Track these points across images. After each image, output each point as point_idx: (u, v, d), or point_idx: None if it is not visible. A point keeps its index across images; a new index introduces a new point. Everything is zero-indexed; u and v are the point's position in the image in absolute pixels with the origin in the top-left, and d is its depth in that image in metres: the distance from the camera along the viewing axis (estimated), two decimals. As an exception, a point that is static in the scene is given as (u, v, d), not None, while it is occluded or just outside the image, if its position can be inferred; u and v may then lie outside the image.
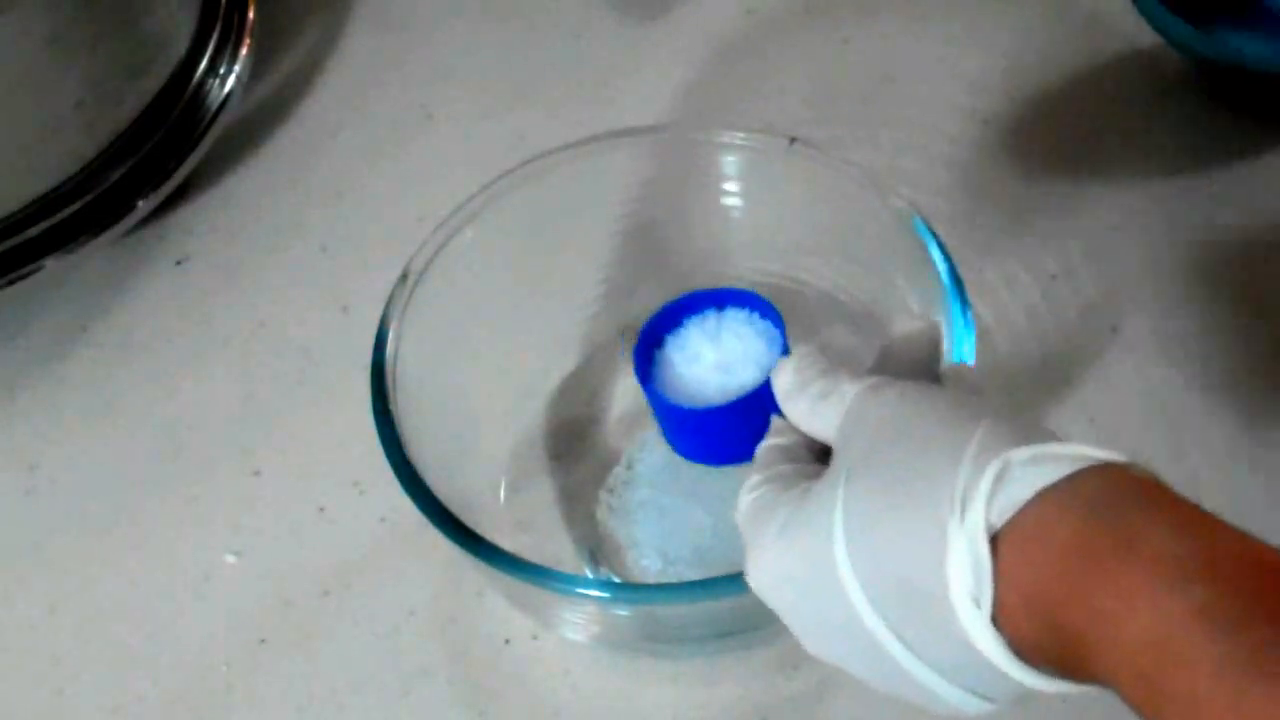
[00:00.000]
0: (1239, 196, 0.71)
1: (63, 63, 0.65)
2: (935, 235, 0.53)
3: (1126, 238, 0.70)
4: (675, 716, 0.57)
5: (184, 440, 0.67)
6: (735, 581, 0.45)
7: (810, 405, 0.41)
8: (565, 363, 0.63)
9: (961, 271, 0.52)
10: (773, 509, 0.38)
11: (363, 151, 0.78)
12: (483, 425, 0.60)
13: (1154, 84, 0.76)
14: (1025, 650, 0.33)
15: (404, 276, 0.55)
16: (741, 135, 0.58)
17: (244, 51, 0.75)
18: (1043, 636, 0.32)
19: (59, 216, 0.68)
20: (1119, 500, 0.32)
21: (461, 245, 0.56)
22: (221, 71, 0.74)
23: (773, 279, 0.60)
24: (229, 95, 0.74)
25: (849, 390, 0.40)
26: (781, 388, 0.42)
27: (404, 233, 0.62)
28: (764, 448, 0.43)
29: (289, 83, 0.82)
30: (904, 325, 0.43)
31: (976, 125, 0.75)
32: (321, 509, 0.64)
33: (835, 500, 0.36)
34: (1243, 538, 0.31)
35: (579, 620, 0.53)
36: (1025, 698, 0.34)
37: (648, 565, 0.57)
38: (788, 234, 0.61)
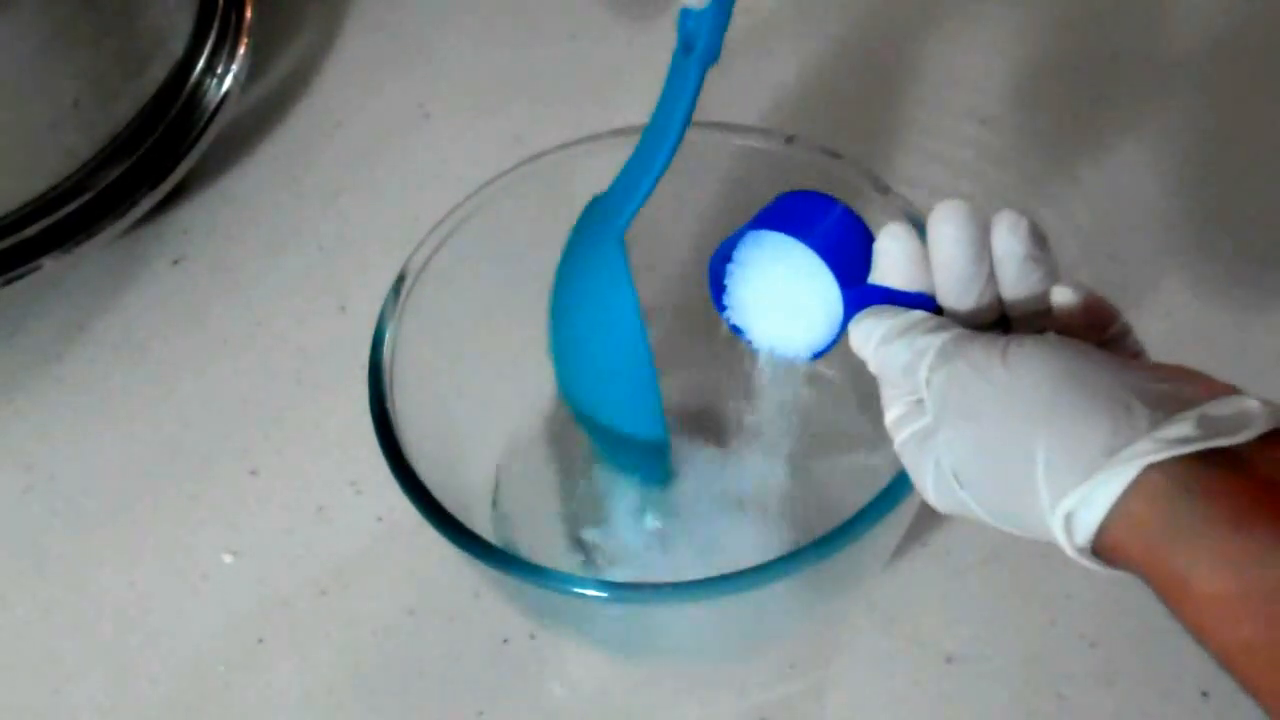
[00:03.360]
0: (1239, 195, 0.71)
1: (60, 62, 0.65)
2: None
3: (1127, 237, 0.70)
4: (673, 716, 0.57)
5: (182, 440, 0.67)
6: (733, 581, 0.46)
7: (900, 379, 0.42)
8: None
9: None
10: (921, 462, 0.41)
11: (360, 151, 0.78)
12: (480, 425, 0.60)
13: (1154, 83, 0.77)
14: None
15: (401, 276, 0.55)
16: (739, 133, 0.58)
17: (241, 51, 0.75)
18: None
19: (57, 216, 0.68)
20: (1167, 527, 0.34)
21: (459, 245, 0.56)
22: (219, 71, 0.74)
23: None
24: (226, 95, 0.74)
25: (921, 369, 0.41)
26: (868, 359, 0.43)
27: (402, 232, 0.62)
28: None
29: (286, 82, 0.82)
30: (1031, 288, 0.43)
31: (974, 124, 0.75)
32: (319, 509, 0.64)
33: (962, 493, 0.39)
34: None
35: (577, 620, 0.53)
36: None
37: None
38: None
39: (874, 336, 0.43)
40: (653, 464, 0.58)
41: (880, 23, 0.80)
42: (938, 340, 0.41)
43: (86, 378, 0.70)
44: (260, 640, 0.60)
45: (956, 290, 0.42)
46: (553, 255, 0.61)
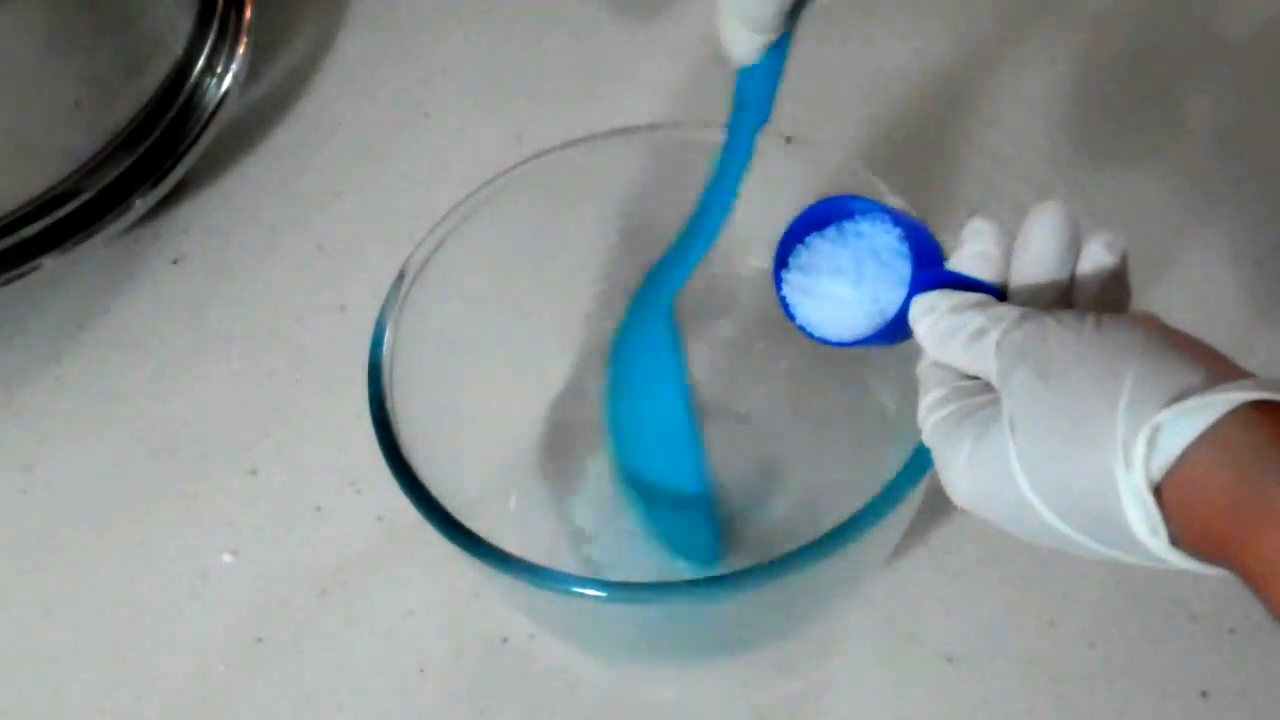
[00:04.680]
0: (1240, 193, 0.71)
1: (60, 62, 0.65)
2: (933, 235, 0.53)
3: (1128, 236, 0.70)
4: (672, 716, 0.57)
5: (181, 439, 0.67)
6: (732, 581, 0.46)
7: (960, 351, 0.42)
8: (562, 361, 0.63)
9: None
10: (957, 440, 0.40)
11: (360, 150, 0.78)
12: (480, 424, 0.59)
13: (1153, 82, 0.77)
14: (1200, 558, 0.36)
15: (401, 276, 0.55)
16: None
17: (241, 50, 0.75)
18: (1213, 559, 0.35)
19: (56, 216, 0.68)
20: (1262, 454, 0.34)
21: (459, 244, 0.56)
22: (218, 70, 0.74)
23: (769, 277, 0.60)
24: (226, 94, 0.74)
25: (993, 332, 0.41)
26: (928, 336, 0.43)
27: (401, 232, 0.62)
28: (926, 366, 0.44)
29: (286, 82, 0.82)
30: (1099, 263, 0.43)
31: (973, 124, 0.75)
32: (318, 508, 0.64)
33: (1008, 445, 0.38)
34: None
35: (575, 621, 0.53)
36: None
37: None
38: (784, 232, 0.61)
39: (944, 305, 0.42)
40: (700, 539, 0.57)
41: (879, 21, 0.80)
42: (1017, 311, 0.41)
43: (86, 377, 0.70)
44: (260, 640, 0.60)
45: (1033, 289, 0.43)
46: (553, 255, 0.61)
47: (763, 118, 0.49)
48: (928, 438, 0.42)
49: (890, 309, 0.45)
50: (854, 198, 0.47)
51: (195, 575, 0.62)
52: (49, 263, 0.68)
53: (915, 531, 0.59)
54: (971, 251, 0.44)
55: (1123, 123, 0.75)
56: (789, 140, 0.57)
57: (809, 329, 0.47)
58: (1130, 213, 0.71)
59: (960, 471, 0.40)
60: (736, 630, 0.54)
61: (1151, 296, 0.67)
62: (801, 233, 0.47)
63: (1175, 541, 0.35)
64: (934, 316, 0.42)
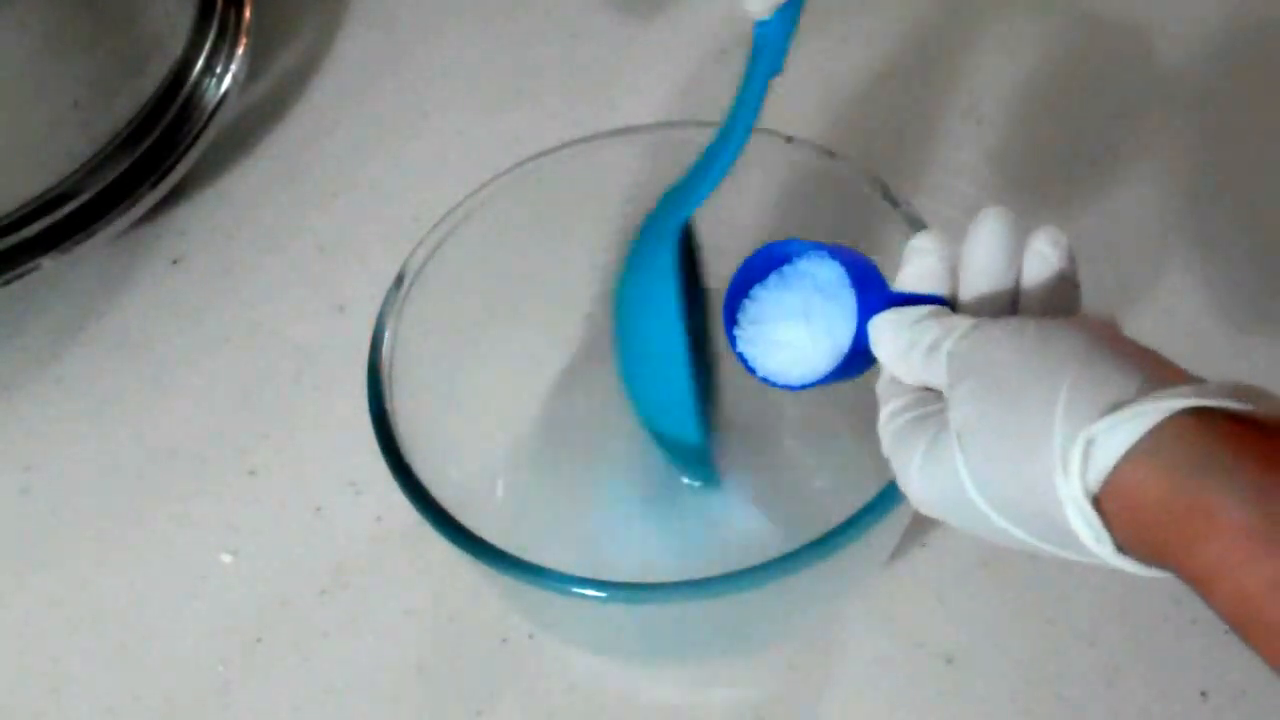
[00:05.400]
0: (1242, 198, 0.71)
1: (60, 62, 0.65)
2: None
3: (1126, 236, 0.70)
4: (672, 715, 0.57)
5: (180, 440, 0.67)
6: (732, 581, 0.46)
7: (918, 364, 0.42)
8: (562, 361, 0.63)
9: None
10: (910, 446, 0.41)
11: (359, 151, 0.78)
12: (479, 425, 0.59)
13: (1152, 81, 0.77)
14: (1149, 563, 0.36)
15: (400, 276, 0.55)
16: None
17: (240, 51, 0.75)
18: (1160, 564, 0.36)
19: (56, 216, 0.68)
20: (1198, 462, 0.34)
21: (458, 245, 0.56)
22: (218, 71, 0.74)
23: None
24: (225, 95, 0.74)
25: (946, 342, 0.41)
26: (888, 356, 0.44)
27: (400, 232, 0.62)
28: (885, 382, 0.45)
29: (285, 82, 0.82)
30: (1040, 274, 0.43)
31: (973, 124, 0.75)
32: (318, 508, 0.64)
33: (956, 455, 0.39)
34: None
35: (575, 621, 0.53)
36: None
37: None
38: (784, 232, 0.61)
39: (900, 320, 0.43)
40: (696, 464, 0.58)
41: (879, 21, 0.80)
42: (968, 321, 0.41)
43: (85, 378, 0.70)
44: (259, 640, 0.60)
45: (982, 295, 0.43)
46: (552, 254, 0.61)
47: (776, 68, 0.51)
48: (885, 447, 0.43)
49: (845, 342, 0.45)
50: (788, 242, 0.48)
51: (195, 575, 0.62)
52: (48, 263, 0.68)
53: (915, 531, 0.59)
54: (916, 270, 0.44)
55: (1124, 121, 0.75)
56: (789, 140, 0.57)
57: (772, 379, 0.48)
58: (1131, 211, 0.71)
59: (914, 478, 0.41)
60: (736, 630, 0.54)
61: (1139, 286, 0.67)
62: (744, 288, 0.48)
63: (1121, 548, 0.36)
64: (892, 333, 0.43)
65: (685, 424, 0.55)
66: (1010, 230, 0.43)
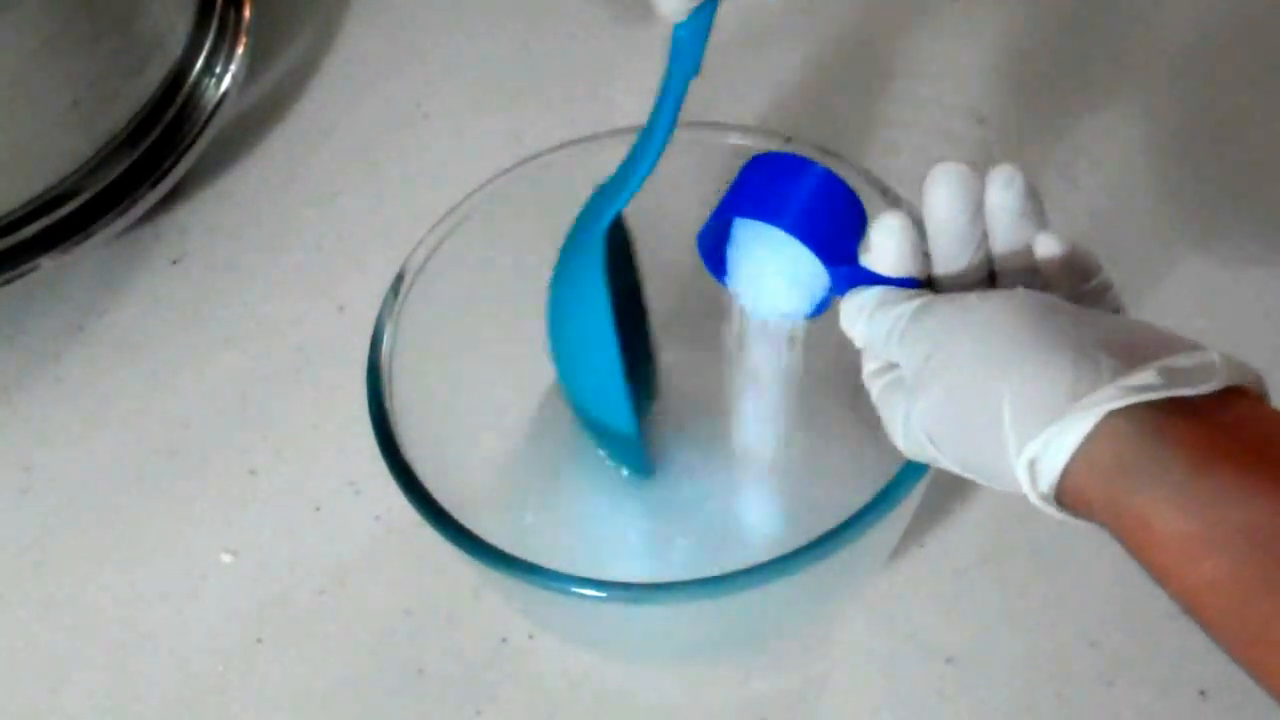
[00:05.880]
0: (1239, 188, 0.71)
1: (59, 62, 0.65)
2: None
3: (1122, 236, 0.70)
4: (671, 715, 0.57)
5: (180, 439, 0.67)
6: (731, 581, 0.46)
7: (885, 352, 0.43)
8: (562, 362, 0.63)
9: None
10: (893, 406, 0.43)
11: (359, 151, 0.78)
12: (479, 424, 0.59)
13: (1152, 81, 0.77)
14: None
15: (400, 276, 0.55)
16: (738, 133, 0.58)
17: (240, 51, 0.75)
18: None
19: (55, 216, 0.67)
20: (1130, 465, 0.35)
21: (458, 245, 0.56)
22: (217, 71, 0.74)
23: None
24: (225, 95, 0.74)
25: (896, 330, 0.42)
26: (857, 341, 0.45)
27: (400, 232, 0.62)
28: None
29: (285, 82, 0.82)
30: (1017, 250, 0.44)
31: (973, 124, 0.75)
32: (318, 508, 0.64)
33: (924, 429, 0.41)
34: (1251, 500, 0.33)
35: (575, 620, 0.53)
36: None
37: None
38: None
39: (862, 313, 0.44)
40: (631, 456, 0.58)
41: (878, 21, 0.80)
42: (913, 305, 0.42)
43: (85, 377, 0.70)
44: (259, 640, 0.60)
45: (953, 251, 0.43)
46: (552, 255, 0.61)
47: (693, 70, 0.51)
48: (874, 399, 0.44)
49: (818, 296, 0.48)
50: (750, 191, 0.49)
51: (194, 575, 0.62)
52: (48, 263, 0.68)
53: (915, 531, 0.59)
54: (881, 253, 0.44)
55: (1123, 122, 0.75)
56: (788, 140, 0.57)
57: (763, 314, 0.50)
58: (1130, 213, 0.71)
59: (898, 434, 0.43)
60: (737, 630, 0.54)
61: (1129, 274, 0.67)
62: (733, 205, 0.50)
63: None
64: (863, 325, 0.44)
65: (619, 416, 0.56)
66: (963, 183, 0.43)
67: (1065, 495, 0.37)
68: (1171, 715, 0.55)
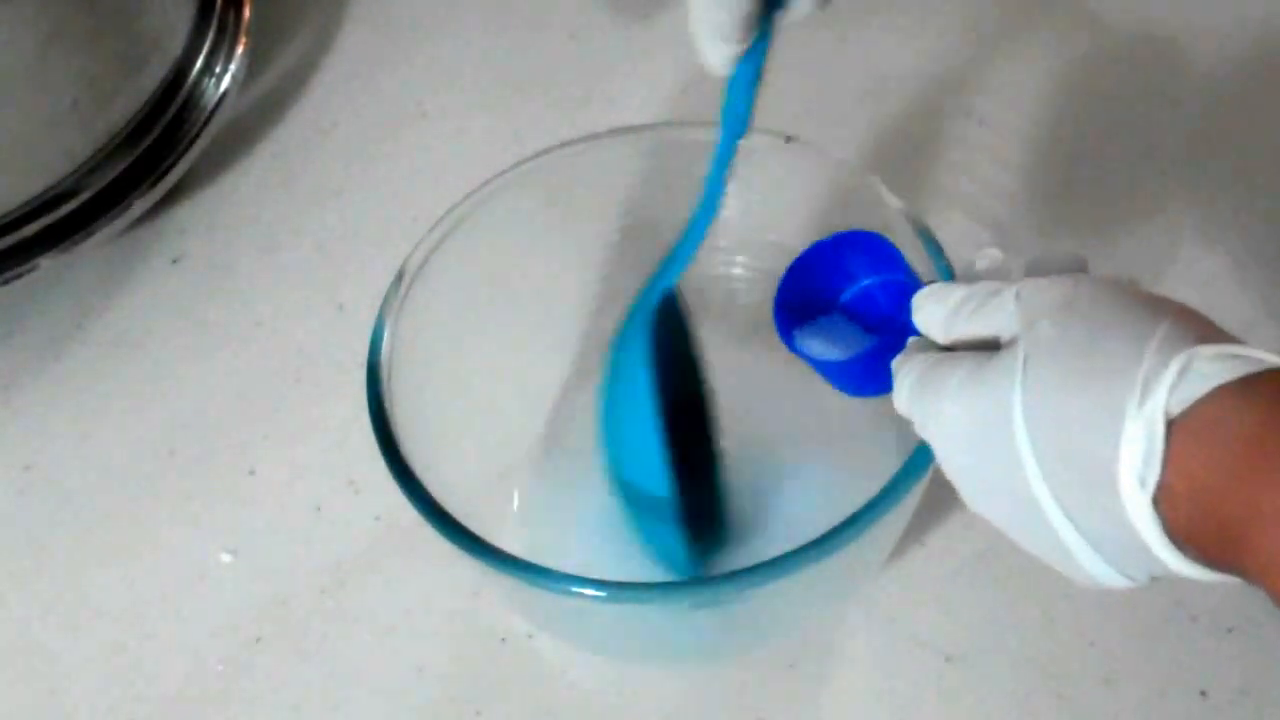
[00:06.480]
0: (1242, 198, 0.71)
1: (59, 61, 0.65)
2: (930, 233, 0.53)
3: (1120, 235, 0.70)
4: (671, 715, 0.57)
5: (179, 439, 0.67)
6: (732, 581, 0.46)
7: (974, 315, 0.41)
8: (561, 361, 0.63)
9: (956, 269, 0.52)
10: (949, 373, 0.40)
11: (358, 150, 0.78)
12: (478, 424, 0.59)
13: (1151, 82, 0.77)
14: (1178, 534, 0.34)
15: (400, 275, 0.55)
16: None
17: (240, 50, 0.75)
18: (1200, 524, 0.33)
19: (55, 215, 0.67)
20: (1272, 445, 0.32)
21: (457, 244, 0.56)
22: (217, 70, 0.74)
23: (768, 277, 0.60)
24: (225, 94, 0.74)
25: (1010, 290, 0.40)
26: (932, 308, 0.43)
27: (400, 231, 0.62)
28: (912, 343, 0.44)
29: (285, 82, 0.82)
30: (1050, 248, 0.43)
31: (972, 124, 0.75)
32: (317, 508, 0.64)
33: (1015, 372, 0.37)
34: None
35: (575, 620, 0.53)
36: (1163, 578, 0.36)
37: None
38: (784, 232, 0.61)
39: (952, 283, 0.43)
40: (672, 548, 0.56)
41: (878, 21, 0.80)
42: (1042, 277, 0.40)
43: (84, 377, 0.70)
44: (258, 639, 0.60)
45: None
46: (552, 254, 0.61)
47: (740, 130, 0.50)
48: (907, 391, 0.42)
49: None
50: (845, 245, 0.51)
51: (194, 575, 0.62)
52: (47, 262, 0.68)
53: (915, 531, 0.59)
54: (923, 328, 0.44)
55: (1122, 122, 0.75)
56: (789, 140, 0.57)
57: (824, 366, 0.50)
58: (1128, 217, 0.71)
59: (948, 402, 0.39)
60: (737, 630, 0.54)
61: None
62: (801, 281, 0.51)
63: (1157, 502, 0.33)
64: (942, 290, 0.43)
65: (662, 512, 0.54)
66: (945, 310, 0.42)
67: (1191, 422, 0.33)
68: (1171, 715, 0.55)
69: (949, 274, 0.52)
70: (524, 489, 0.61)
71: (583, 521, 0.60)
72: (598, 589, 0.46)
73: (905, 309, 0.45)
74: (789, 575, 0.45)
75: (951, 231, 0.55)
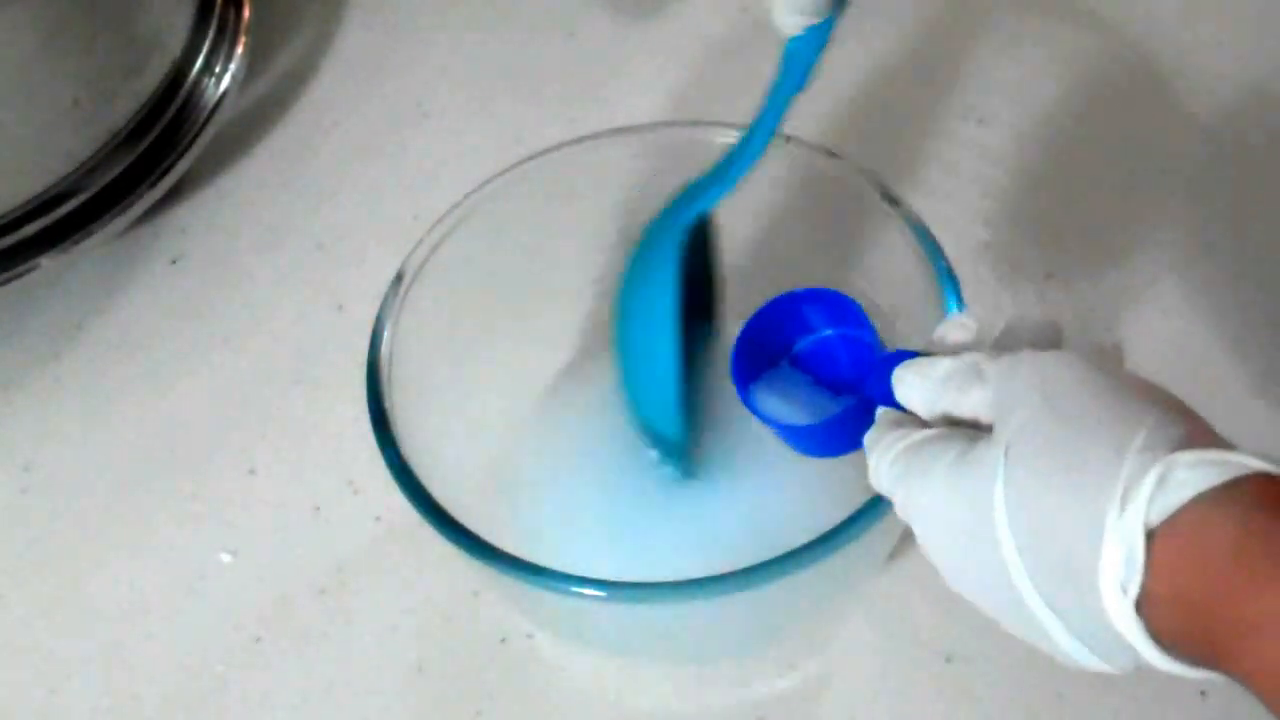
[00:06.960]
0: (1240, 200, 0.71)
1: (59, 62, 0.65)
2: (930, 233, 0.53)
3: (1120, 235, 0.70)
4: (671, 716, 0.57)
5: (179, 439, 0.67)
6: (732, 581, 0.46)
7: (959, 394, 0.40)
8: (561, 361, 0.63)
9: (957, 269, 0.52)
10: (932, 460, 0.39)
11: (358, 150, 0.78)
12: (478, 423, 0.59)
13: (1152, 82, 0.77)
14: (1164, 637, 0.34)
15: (399, 275, 0.55)
16: (737, 133, 0.58)
17: (239, 50, 0.75)
18: (1185, 629, 0.33)
19: (55, 215, 0.67)
20: (1275, 513, 0.32)
21: (457, 244, 0.56)
22: (217, 70, 0.74)
23: (767, 277, 0.60)
24: (224, 94, 0.74)
25: (991, 368, 0.40)
26: (915, 381, 0.42)
27: (399, 231, 0.62)
28: (880, 427, 0.43)
29: (284, 81, 0.82)
30: (1024, 314, 0.43)
31: (972, 125, 0.75)
32: (317, 508, 0.64)
33: (997, 468, 0.36)
34: None
35: (575, 619, 0.53)
36: (1145, 668, 0.35)
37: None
38: (783, 232, 0.61)
39: (933, 358, 0.42)
40: (675, 456, 0.58)
41: (878, 21, 0.80)
42: (1022, 350, 0.40)
43: (84, 377, 0.70)
44: (258, 639, 0.60)
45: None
46: (552, 254, 0.61)
47: (801, 84, 0.52)
48: (887, 469, 0.41)
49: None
50: (800, 302, 0.51)
51: (194, 574, 0.62)
52: (48, 262, 0.68)
53: (915, 531, 0.59)
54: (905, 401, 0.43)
55: (1122, 122, 0.75)
56: (789, 140, 0.57)
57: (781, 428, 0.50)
58: (1128, 217, 0.71)
59: (936, 485, 0.38)
60: (736, 630, 0.54)
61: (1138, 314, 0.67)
62: (756, 336, 0.51)
63: (1140, 607, 0.33)
64: (924, 364, 0.42)
65: (668, 416, 0.55)
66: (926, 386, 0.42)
67: (1171, 531, 0.32)
68: (1171, 715, 0.55)
69: (948, 274, 0.52)
70: (524, 488, 0.61)
71: (583, 520, 0.60)
72: (598, 589, 0.46)
73: (869, 372, 0.45)
74: (789, 575, 0.45)
75: (950, 231, 0.55)
